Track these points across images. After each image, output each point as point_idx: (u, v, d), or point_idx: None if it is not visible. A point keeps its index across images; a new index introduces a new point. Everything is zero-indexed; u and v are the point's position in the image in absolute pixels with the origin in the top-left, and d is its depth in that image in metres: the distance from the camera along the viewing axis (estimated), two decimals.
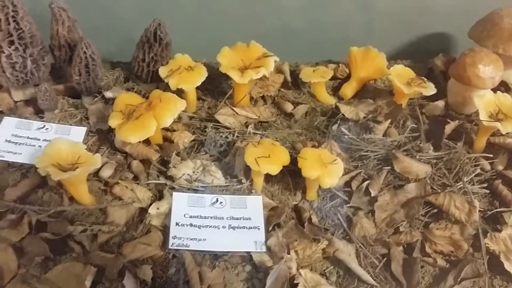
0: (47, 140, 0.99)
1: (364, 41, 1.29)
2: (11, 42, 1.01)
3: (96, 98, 1.11)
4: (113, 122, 0.95)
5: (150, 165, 0.97)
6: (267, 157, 0.90)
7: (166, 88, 1.15)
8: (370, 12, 1.40)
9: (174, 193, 0.90)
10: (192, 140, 1.03)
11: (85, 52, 1.04)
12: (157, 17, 1.09)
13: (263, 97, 1.18)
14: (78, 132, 1.02)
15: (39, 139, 0.99)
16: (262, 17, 1.35)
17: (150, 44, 1.09)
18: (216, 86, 1.21)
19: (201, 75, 1.08)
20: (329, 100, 1.19)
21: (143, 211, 0.90)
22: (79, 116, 1.07)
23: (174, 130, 1.04)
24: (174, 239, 0.83)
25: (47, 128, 1.02)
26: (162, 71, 1.09)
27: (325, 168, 0.89)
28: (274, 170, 0.90)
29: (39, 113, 1.07)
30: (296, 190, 0.97)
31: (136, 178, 0.96)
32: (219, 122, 1.07)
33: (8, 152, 0.96)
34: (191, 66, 1.09)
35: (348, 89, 1.21)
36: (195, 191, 0.93)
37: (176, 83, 1.06)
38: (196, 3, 1.28)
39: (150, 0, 1.25)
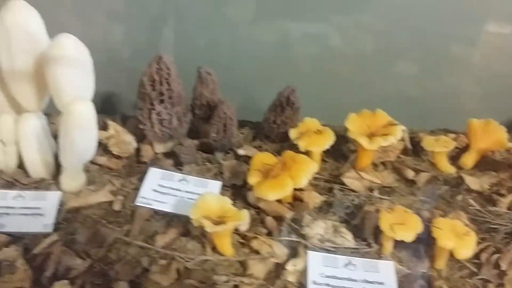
0: (188, 192, 1.08)
1: (478, 111, 1.32)
2: (162, 101, 1.13)
3: (228, 154, 1.20)
4: (252, 179, 1.03)
5: (282, 222, 1.03)
6: (401, 224, 0.93)
7: (290, 147, 1.23)
8: (484, 82, 1.43)
9: (310, 252, 0.94)
10: None
11: (225, 113, 1.14)
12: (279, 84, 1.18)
13: (383, 163, 1.22)
14: (214, 186, 1.10)
15: (180, 190, 1.08)
16: (377, 83, 1.41)
17: (282, 107, 1.17)
18: (336, 149, 1.26)
19: (330, 138, 1.14)
20: (449, 169, 1.21)
21: (278, 266, 0.95)
22: (213, 170, 1.16)
23: (302, 190, 1.10)
24: None
25: (187, 181, 1.11)
26: (292, 133, 1.16)
27: (459, 239, 0.91)
28: (409, 237, 0.93)
29: (177, 165, 1.17)
30: (423, 258, 0.99)
31: (269, 233, 1.01)
32: (344, 184, 1.12)
33: (155, 200, 1.05)
34: (319, 129, 1.16)
35: (469, 159, 1.23)
36: (327, 251, 0.97)
37: (306, 145, 1.13)
38: (318, 72, 1.37)
39: (275, 69, 1.35)
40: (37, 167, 1.08)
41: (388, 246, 0.98)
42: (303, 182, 1.01)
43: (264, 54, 1.39)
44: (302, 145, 1.13)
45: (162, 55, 1.10)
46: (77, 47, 0.92)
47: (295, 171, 1.02)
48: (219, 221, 0.92)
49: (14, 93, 1.03)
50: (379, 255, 0.98)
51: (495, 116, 1.26)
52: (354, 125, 1.15)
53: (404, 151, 1.26)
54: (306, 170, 1.02)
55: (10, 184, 1.08)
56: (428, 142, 1.21)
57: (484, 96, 1.46)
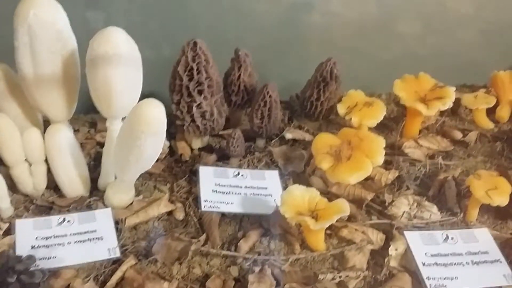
0: (248, 187, 0.99)
1: (492, 63, 1.32)
2: (200, 91, 1.01)
3: (273, 140, 1.11)
4: (325, 165, 0.95)
5: (361, 205, 0.96)
6: (495, 189, 0.90)
7: (330, 124, 1.16)
8: (486, 33, 1.43)
9: (407, 233, 0.89)
10: None
11: (270, 96, 1.04)
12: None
13: (426, 127, 1.19)
14: (272, 176, 1.02)
15: (240, 187, 0.99)
16: (383, 47, 1.37)
17: (326, 83, 1.09)
18: None
19: (382, 109, 1.08)
20: (489, 125, 1.20)
21: (376, 253, 0.89)
22: (264, 159, 1.07)
23: None
24: (429, 280, 0.82)
25: (242, 175, 1.01)
26: (341, 108, 1.09)
27: None
28: (505, 201, 0.90)
29: (222, 159, 1.06)
30: (507, 219, 0.97)
31: (349, 219, 0.95)
32: (404, 155, 1.07)
33: (220, 202, 0.94)
34: (369, 101, 1.09)
35: (504, 113, 1.22)
36: (417, 228, 0.92)
37: (359, 120, 1.06)
38: (323, 40, 1.32)
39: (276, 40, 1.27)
40: (75, 184, 0.94)
41: (474, 213, 0.95)
42: (379, 159, 0.95)
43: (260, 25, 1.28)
44: (355, 120, 1.06)
45: (195, 40, 0.98)
46: (129, 42, 0.79)
47: (368, 149, 0.95)
48: (312, 216, 0.84)
49: (40, 102, 0.89)
50: (466, 223, 0.95)
51: (503, 65, 1.28)
52: (404, 92, 1.09)
53: (441, 112, 1.23)
54: (378, 147, 0.96)
55: (46, 208, 0.93)
56: (469, 100, 1.19)
57: (489, 46, 1.46)
